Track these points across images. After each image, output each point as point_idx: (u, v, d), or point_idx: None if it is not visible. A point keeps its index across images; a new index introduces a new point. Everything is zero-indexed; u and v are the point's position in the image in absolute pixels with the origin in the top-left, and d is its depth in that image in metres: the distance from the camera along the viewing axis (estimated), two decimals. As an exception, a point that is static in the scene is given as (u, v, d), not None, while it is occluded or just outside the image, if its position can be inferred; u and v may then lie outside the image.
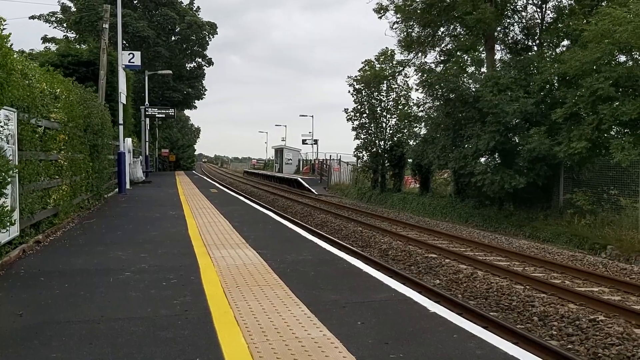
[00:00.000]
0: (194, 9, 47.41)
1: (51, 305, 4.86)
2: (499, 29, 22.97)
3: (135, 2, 42.22)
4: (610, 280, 9.96)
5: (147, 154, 35.51)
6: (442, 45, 26.21)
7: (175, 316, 4.55)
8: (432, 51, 26.87)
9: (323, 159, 48.49)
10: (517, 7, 22.89)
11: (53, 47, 35.04)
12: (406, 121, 27.46)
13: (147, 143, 35.77)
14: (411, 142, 26.88)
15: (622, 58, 17.10)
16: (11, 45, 6.69)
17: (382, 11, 26.07)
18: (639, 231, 13.64)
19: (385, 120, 29.17)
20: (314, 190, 35.14)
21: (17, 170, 7.01)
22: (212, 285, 5.62)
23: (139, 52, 23.05)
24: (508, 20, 23.01)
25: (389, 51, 28.63)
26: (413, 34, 25.94)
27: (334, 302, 5.08)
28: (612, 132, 16.15)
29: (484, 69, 22.23)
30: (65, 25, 42.38)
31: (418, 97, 26.40)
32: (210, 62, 49.34)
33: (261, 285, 5.61)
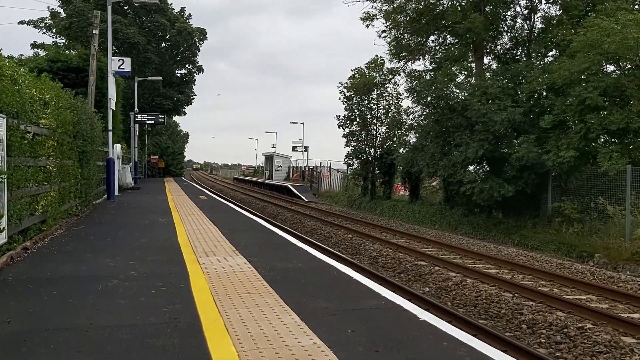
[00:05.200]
0: (185, 15, 47.38)
1: (39, 313, 4.83)
2: (488, 38, 23.11)
3: (125, 8, 42.05)
4: (597, 288, 10.03)
5: (136, 160, 35.35)
6: (432, 53, 26.32)
7: (165, 324, 4.53)
8: (422, 59, 27.00)
9: (313, 166, 48.55)
10: (506, 17, 23.07)
11: (42, 52, 34.87)
12: (397, 129, 27.63)
13: (136, 149, 35.62)
14: (401, 150, 27.00)
15: (610, 68, 17.32)
16: (0, 51, 6.67)
17: (369, 20, 26.13)
18: (626, 239, 13.75)
19: (375, 128, 29.32)
20: (304, 198, 35.12)
21: (5, 176, 6.98)
22: (202, 292, 5.60)
23: (129, 58, 23.02)
24: (497, 30, 23.17)
25: (379, 59, 28.84)
26: (403, 41, 26.02)
27: (324, 309, 5.08)
28: (600, 141, 16.31)
29: (472, 79, 22.36)
30: (54, 30, 42.17)
31: (408, 106, 26.39)
32: (200, 69, 49.29)
33: (251, 293, 5.60)
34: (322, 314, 4.92)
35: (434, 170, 21.23)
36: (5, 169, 7.05)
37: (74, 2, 38.75)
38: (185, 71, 49.40)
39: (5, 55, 9.79)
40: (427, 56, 26.49)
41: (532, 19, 22.16)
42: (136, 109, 35.25)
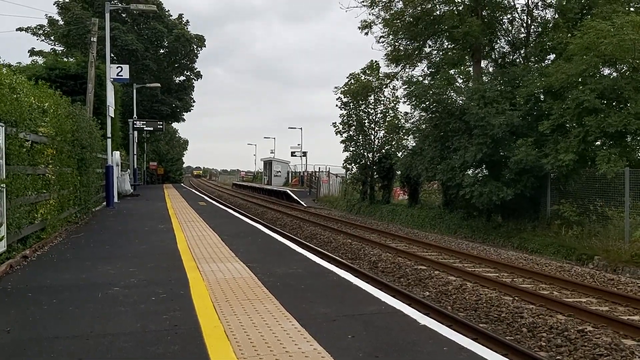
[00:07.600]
0: (183, 22, 47.45)
1: (39, 321, 4.82)
2: (485, 42, 23.17)
3: (123, 15, 42.11)
4: (597, 290, 10.03)
5: (136, 167, 35.33)
6: (430, 58, 26.33)
7: (165, 331, 4.53)
8: (419, 64, 27.02)
9: (312, 171, 48.57)
10: (504, 21, 23.13)
11: (40, 60, 34.87)
12: (395, 134, 27.64)
13: (135, 156, 35.60)
14: (399, 154, 26.99)
15: (607, 71, 17.34)
16: (-1, 60, 6.68)
17: (367, 27, 26.15)
18: (625, 242, 13.76)
19: (373, 132, 29.33)
20: (303, 203, 35.10)
21: (4, 184, 6.98)
22: (202, 299, 5.60)
23: (127, 66, 23.05)
24: (494, 34, 23.22)
25: (375, 63, 28.85)
26: (400, 47, 26.05)
27: (324, 315, 5.08)
28: (598, 143, 16.31)
29: (470, 83, 22.38)
30: (53, 38, 42.20)
31: (406, 112, 26.30)
32: (198, 75, 49.33)
33: (251, 299, 5.60)
34: (322, 320, 4.91)
35: (433, 174, 21.22)
36: (4, 178, 7.05)
37: (72, 9, 38.83)
38: (184, 77, 49.47)
39: (4, 63, 9.80)
40: (424, 61, 26.52)
41: (529, 23, 22.23)
42: (135, 115, 35.26)
